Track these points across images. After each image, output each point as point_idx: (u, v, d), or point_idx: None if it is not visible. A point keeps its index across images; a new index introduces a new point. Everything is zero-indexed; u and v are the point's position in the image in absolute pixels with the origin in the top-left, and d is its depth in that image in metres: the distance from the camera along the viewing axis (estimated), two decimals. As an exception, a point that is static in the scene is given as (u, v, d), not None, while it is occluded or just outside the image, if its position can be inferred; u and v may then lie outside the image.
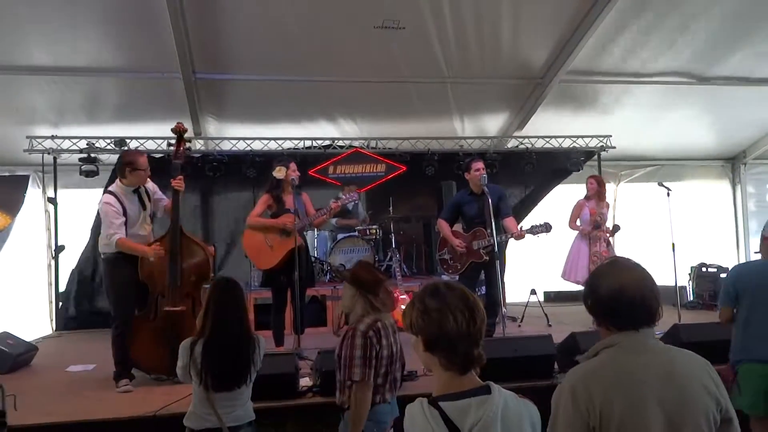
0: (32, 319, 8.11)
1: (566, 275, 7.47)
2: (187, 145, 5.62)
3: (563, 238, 8.73)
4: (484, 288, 6.34)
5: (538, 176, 9.82)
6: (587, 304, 2.07)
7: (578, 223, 7.37)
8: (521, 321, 7.54)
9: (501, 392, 1.76)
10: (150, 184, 5.26)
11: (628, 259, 2.11)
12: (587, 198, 7.43)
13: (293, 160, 6.12)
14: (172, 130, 5.32)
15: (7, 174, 8.72)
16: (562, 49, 7.85)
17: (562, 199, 9.69)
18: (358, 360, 3.06)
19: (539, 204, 9.91)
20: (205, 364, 3.13)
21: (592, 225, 7.22)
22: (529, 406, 1.81)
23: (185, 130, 5.36)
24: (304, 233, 6.08)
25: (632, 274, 2.02)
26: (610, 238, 7.53)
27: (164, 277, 4.94)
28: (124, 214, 5.00)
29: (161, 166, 7.68)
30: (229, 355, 3.17)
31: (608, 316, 2.01)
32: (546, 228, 6.02)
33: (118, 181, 5.16)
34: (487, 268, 6.05)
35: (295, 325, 5.79)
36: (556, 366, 4.69)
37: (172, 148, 8.24)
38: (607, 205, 7.50)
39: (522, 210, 9.71)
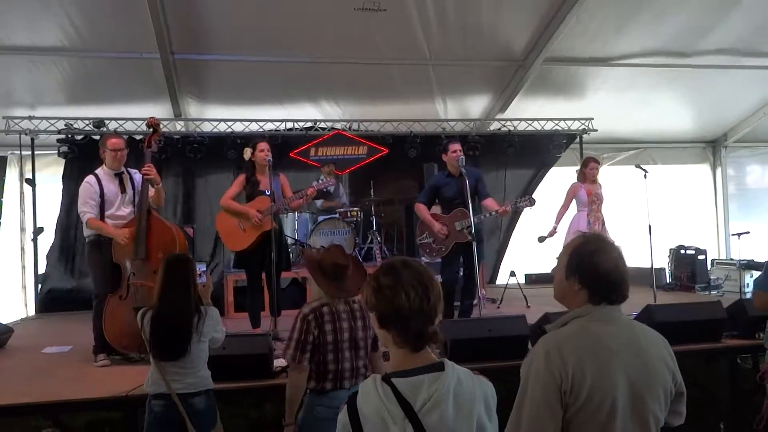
0: (7, 302, 8.07)
1: None
2: (161, 137, 5.77)
3: (546, 221, 8.81)
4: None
5: (522, 159, 9.83)
6: (584, 281, 2.06)
7: (575, 204, 7.36)
8: (500, 302, 7.59)
9: (454, 369, 1.77)
10: (138, 176, 5.32)
11: (602, 234, 2.17)
12: (582, 180, 7.41)
13: (264, 140, 6.03)
14: (146, 124, 5.46)
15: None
16: (543, 31, 7.85)
17: (550, 182, 9.81)
18: (293, 342, 3.10)
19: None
20: (150, 334, 3.30)
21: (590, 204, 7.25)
22: (483, 383, 1.81)
23: (158, 124, 5.46)
24: (282, 216, 6.02)
25: (619, 253, 2.10)
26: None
27: (132, 255, 5.01)
28: (102, 195, 5.12)
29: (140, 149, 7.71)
30: (171, 326, 3.29)
31: (602, 291, 2.05)
32: (530, 202, 6.06)
33: (103, 164, 5.28)
34: (467, 249, 6.05)
35: (271, 307, 5.79)
36: (530, 345, 4.72)
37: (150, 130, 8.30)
38: (601, 186, 7.48)
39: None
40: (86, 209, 5.06)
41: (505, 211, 6.08)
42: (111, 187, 5.19)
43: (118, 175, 5.26)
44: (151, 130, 5.39)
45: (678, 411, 2.13)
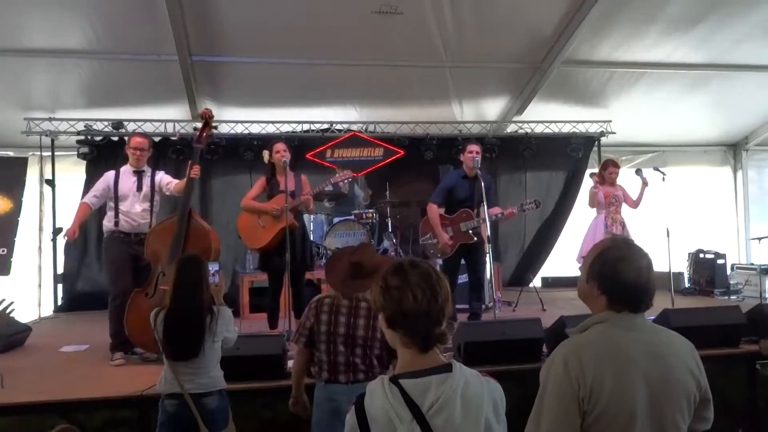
0: (26, 301, 8.16)
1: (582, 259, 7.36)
2: (213, 131, 5.77)
3: (569, 226, 8.77)
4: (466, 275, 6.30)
5: (540, 162, 9.81)
6: (603, 286, 2.02)
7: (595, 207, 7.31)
8: (516, 305, 7.55)
9: (462, 370, 1.76)
10: (158, 176, 5.48)
11: (633, 240, 2.13)
12: (601, 183, 7.35)
13: (280, 140, 6.04)
14: (199, 115, 5.55)
15: (10, 155, 8.78)
16: (561, 34, 7.77)
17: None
18: (299, 325, 3.32)
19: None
20: (162, 334, 3.33)
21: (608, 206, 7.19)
22: (491, 385, 1.80)
23: (212, 117, 5.49)
24: (301, 212, 5.99)
25: (647, 260, 2.05)
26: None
27: (166, 257, 5.01)
28: (116, 189, 5.32)
29: (160, 149, 7.79)
30: (183, 326, 3.30)
31: (622, 299, 2.01)
32: (536, 204, 6.13)
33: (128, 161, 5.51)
34: (470, 252, 6.02)
35: (289, 308, 5.78)
36: (544, 349, 4.68)
37: (170, 131, 8.38)
38: (620, 188, 7.41)
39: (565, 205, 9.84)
40: (89, 194, 5.41)
41: (511, 213, 6.11)
42: (127, 183, 5.37)
43: (137, 173, 5.42)
44: (203, 122, 5.39)
45: (704, 416, 2.09)
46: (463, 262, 6.24)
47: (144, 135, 5.83)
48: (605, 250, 2.07)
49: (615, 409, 1.88)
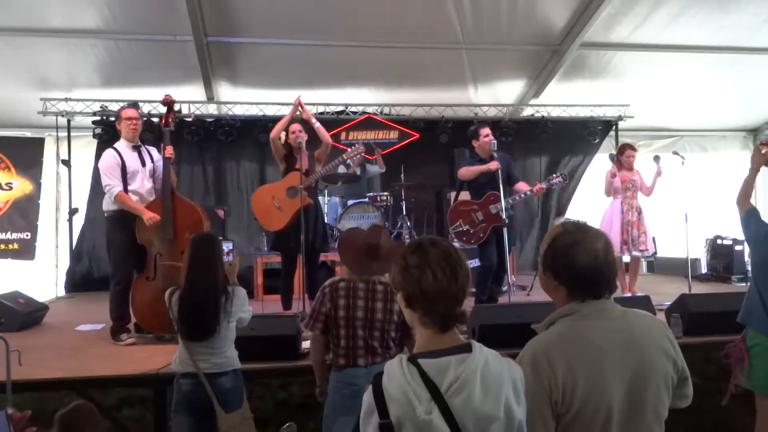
0: (44, 281, 8.25)
1: None
2: (177, 114, 5.59)
3: (585, 210, 8.69)
4: (476, 261, 6.25)
5: (556, 145, 9.75)
6: (560, 276, 1.95)
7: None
8: (530, 290, 7.50)
9: (482, 351, 1.73)
10: (155, 152, 5.31)
11: (585, 222, 2.05)
12: (618, 167, 7.23)
13: (295, 121, 6.03)
14: (161, 102, 5.38)
15: (27, 135, 8.84)
16: (581, 15, 7.66)
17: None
18: (312, 311, 3.28)
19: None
20: (178, 314, 3.30)
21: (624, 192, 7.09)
22: (512, 366, 1.77)
23: (172, 102, 5.35)
24: (315, 194, 6.00)
25: (601, 242, 1.96)
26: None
27: (159, 236, 5.00)
28: (124, 168, 5.08)
29: (176, 130, 7.77)
30: (199, 306, 3.28)
31: (582, 287, 1.94)
32: (563, 177, 6.13)
33: (121, 138, 5.28)
34: (500, 235, 5.99)
35: (303, 289, 5.78)
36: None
37: (185, 112, 8.37)
38: (637, 173, 7.29)
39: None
40: (113, 182, 5.01)
41: (540, 189, 6.06)
42: (131, 160, 5.13)
43: (137, 149, 5.22)
44: (167, 108, 5.30)
45: (683, 394, 2.04)
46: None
47: (133, 106, 5.59)
48: (556, 237, 1.99)
49: (591, 407, 1.82)
